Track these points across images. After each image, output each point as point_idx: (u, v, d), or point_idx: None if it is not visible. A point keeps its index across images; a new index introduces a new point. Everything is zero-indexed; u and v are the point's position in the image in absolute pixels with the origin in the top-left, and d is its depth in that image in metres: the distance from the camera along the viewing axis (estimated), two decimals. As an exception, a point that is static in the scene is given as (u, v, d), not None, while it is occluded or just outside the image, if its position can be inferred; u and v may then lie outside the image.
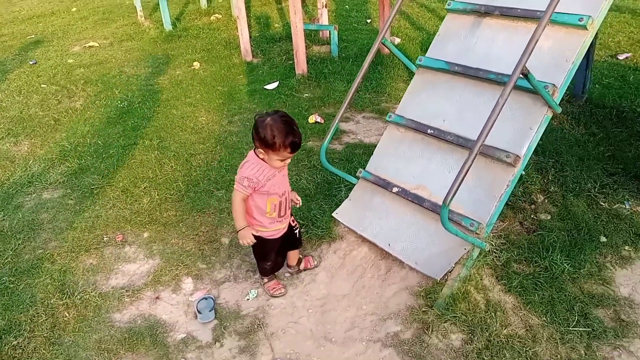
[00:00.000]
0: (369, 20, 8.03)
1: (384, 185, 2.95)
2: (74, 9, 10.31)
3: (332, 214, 3.17)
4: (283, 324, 2.71)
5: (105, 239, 3.43)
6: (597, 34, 5.08)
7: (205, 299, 2.86)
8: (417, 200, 2.79)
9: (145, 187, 3.92)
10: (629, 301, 2.69)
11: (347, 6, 8.92)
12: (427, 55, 3.11)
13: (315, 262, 3.02)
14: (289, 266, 3.03)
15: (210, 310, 2.79)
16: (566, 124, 4.34)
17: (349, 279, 2.90)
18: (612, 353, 2.41)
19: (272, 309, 2.81)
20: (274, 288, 2.86)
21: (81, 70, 6.67)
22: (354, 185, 3.17)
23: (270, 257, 2.80)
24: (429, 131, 2.88)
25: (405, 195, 2.84)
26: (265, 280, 2.90)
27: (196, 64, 6.61)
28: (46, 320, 2.77)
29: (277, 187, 2.59)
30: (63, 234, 3.48)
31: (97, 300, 2.91)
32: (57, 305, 2.86)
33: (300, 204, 2.87)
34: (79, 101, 5.68)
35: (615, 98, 4.71)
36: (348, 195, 3.20)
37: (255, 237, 2.65)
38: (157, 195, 3.81)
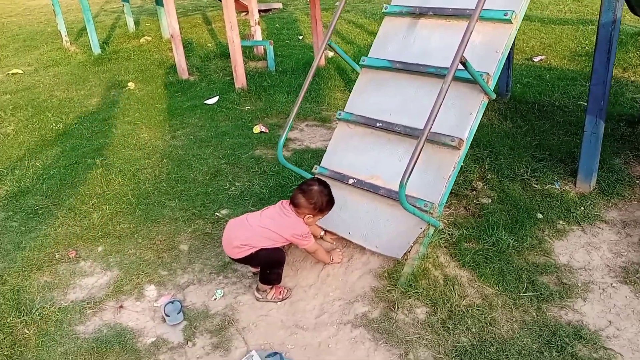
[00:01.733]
0: (300, 37, 8.27)
1: (340, 178, 3.09)
2: (-9, 38, 9.90)
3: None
4: (253, 318, 2.75)
5: (57, 256, 3.34)
6: (514, 41, 5.54)
7: (172, 302, 2.85)
8: (372, 189, 2.94)
9: (93, 204, 3.85)
10: (568, 267, 2.95)
11: (277, 25, 9.14)
12: (369, 55, 3.31)
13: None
14: (253, 266, 3.07)
15: (178, 313, 2.79)
16: (495, 119, 4.69)
17: (314, 270, 2.99)
18: (559, 312, 2.65)
19: (240, 306, 2.85)
20: (282, 291, 2.88)
21: (7, 96, 6.43)
22: (310, 181, 3.29)
23: (284, 256, 2.90)
24: (377, 125, 3.06)
25: (361, 185, 2.99)
26: (269, 288, 2.86)
27: (131, 84, 6.55)
28: (4, 339, 2.66)
29: None
30: (11, 255, 3.35)
31: (57, 314, 2.84)
32: (14, 324, 2.76)
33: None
34: (10, 126, 5.47)
35: (535, 94, 5.14)
36: (304, 192, 3.31)
37: (279, 249, 2.80)
38: (108, 209, 3.76)
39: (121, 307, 2.90)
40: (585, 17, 7.77)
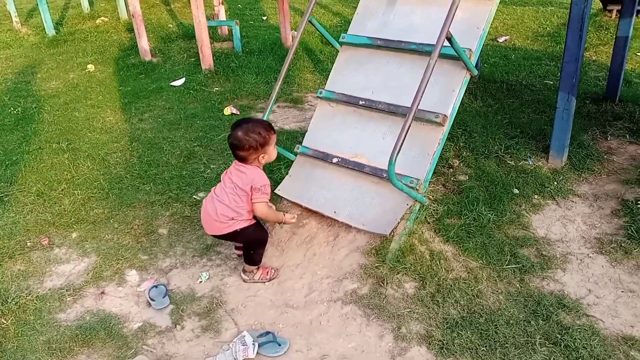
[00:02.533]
0: (264, 18, 8.14)
1: (323, 157, 3.07)
2: None
3: (274, 192, 3.23)
4: (242, 299, 2.72)
5: (28, 244, 3.19)
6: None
7: (156, 287, 2.78)
8: (357, 167, 2.94)
9: (63, 189, 3.70)
10: (546, 240, 3.05)
11: (239, 5, 8.96)
12: (348, 32, 3.28)
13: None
14: (237, 249, 3.03)
15: (163, 297, 2.72)
16: (466, 99, 4.76)
17: (300, 250, 2.98)
18: (541, 283, 2.73)
19: (227, 287, 2.80)
20: (269, 271, 2.84)
21: (-44, 80, 6.07)
22: (292, 162, 3.26)
23: (267, 236, 2.85)
24: (360, 102, 3.04)
25: (345, 164, 2.98)
26: (256, 269, 2.82)
27: (91, 67, 6.30)
28: (-20, 330, 2.53)
29: None
30: (-22, 244, 3.18)
31: (35, 303, 2.72)
32: (-11, 314, 2.63)
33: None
34: (-37, 111, 5.17)
35: (503, 74, 5.25)
36: (287, 173, 3.28)
37: (253, 224, 2.70)
38: (79, 195, 3.62)
39: (102, 293, 2.80)
40: (544, -1, 7.96)
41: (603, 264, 2.86)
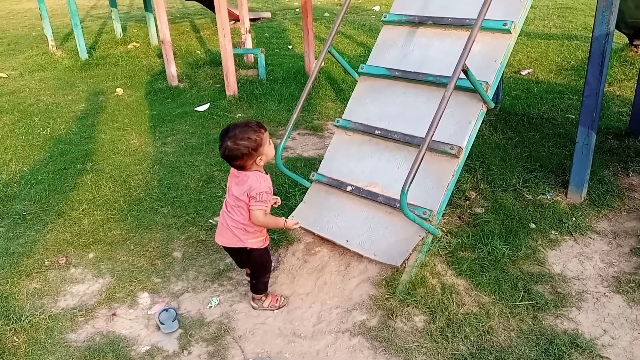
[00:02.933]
0: (290, 47, 8.29)
1: (338, 185, 3.08)
2: (-26, 41, 9.73)
3: (288, 218, 3.24)
4: (250, 327, 2.72)
5: (46, 262, 3.26)
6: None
7: (167, 310, 2.80)
8: (371, 196, 2.94)
9: (84, 209, 3.79)
10: (562, 277, 2.98)
11: (266, 34, 9.15)
12: (367, 63, 3.32)
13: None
14: (248, 275, 3.02)
15: (173, 321, 2.74)
16: (485, 131, 4.74)
17: (310, 278, 2.97)
18: (555, 321, 2.66)
19: (236, 314, 2.81)
20: (278, 299, 2.82)
21: (-8, 100, 6.31)
22: (307, 189, 3.28)
23: (271, 266, 2.81)
24: (376, 132, 3.06)
25: (359, 192, 2.99)
26: (264, 296, 2.81)
27: (119, 90, 6.48)
28: (-7, 347, 2.58)
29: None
30: (-2, 261, 3.27)
31: (47, 322, 2.77)
32: (3, 332, 2.68)
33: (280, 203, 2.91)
34: (-5, 130, 5.37)
35: (524, 107, 5.22)
36: (302, 200, 3.29)
37: (262, 250, 2.68)
38: (99, 215, 3.70)
39: (114, 314, 2.84)
40: (569, 33, 7.92)
41: (620, 303, 2.78)
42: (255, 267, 2.75)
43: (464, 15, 2.96)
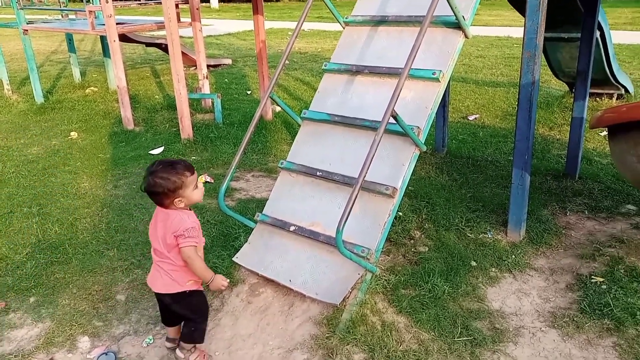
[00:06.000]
0: (249, 92, 8.46)
1: (282, 225, 3.14)
2: None
3: (232, 259, 3.28)
4: (190, 369, 2.69)
5: (-16, 308, 3.18)
6: (449, 100, 5.90)
7: (106, 354, 2.76)
8: (313, 236, 3.01)
9: (27, 253, 3.73)
10: (500, 312, 3.07)
11: (226, 80, 9.32)
12: (310, 109, 3.46)
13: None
14: (168, 340, 2.79)
15: (111, 365, 2.70)
16: (432, 172, 4.92)
17: (254, 319, 2.98)
18: (492, 356, 2.73)
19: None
20: (205, 355, 2.72)
21: (-59, 143, 6.20)
22: (252, 230, 3.33)
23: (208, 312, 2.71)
24: (317, 174, 3.16)
25: (302, 232, 3.05)
26: (193, 347, 2.67)
27: (74, 134, 6.47)
28: None
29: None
30: None
31: (-20, 369, 2.69)
32: None
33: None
34: (-59, 174, 5.26)
35: (470, 150, 5.44)
36: (247, 241, 3.34)
37: (201, 292, 2.58)
38: (42, 259, 3.64)
39: (52, 359, 2.77)
40: (515, 81, 8.36)
41: (555, 337, 2.87)
42: (196, 311, 2.62)
43: (397, 65, 3.14)
